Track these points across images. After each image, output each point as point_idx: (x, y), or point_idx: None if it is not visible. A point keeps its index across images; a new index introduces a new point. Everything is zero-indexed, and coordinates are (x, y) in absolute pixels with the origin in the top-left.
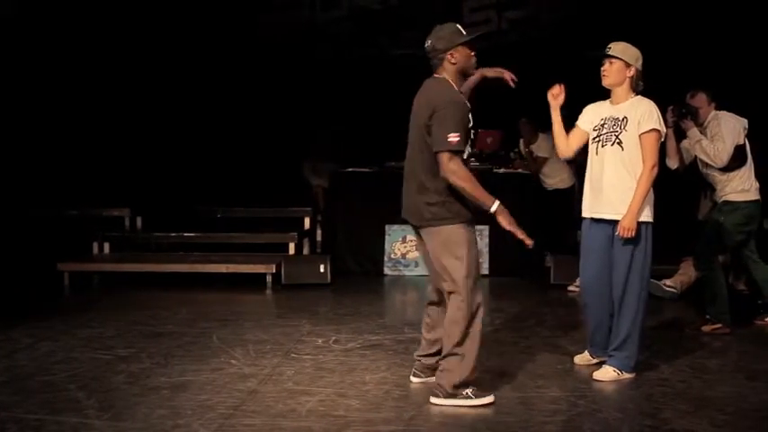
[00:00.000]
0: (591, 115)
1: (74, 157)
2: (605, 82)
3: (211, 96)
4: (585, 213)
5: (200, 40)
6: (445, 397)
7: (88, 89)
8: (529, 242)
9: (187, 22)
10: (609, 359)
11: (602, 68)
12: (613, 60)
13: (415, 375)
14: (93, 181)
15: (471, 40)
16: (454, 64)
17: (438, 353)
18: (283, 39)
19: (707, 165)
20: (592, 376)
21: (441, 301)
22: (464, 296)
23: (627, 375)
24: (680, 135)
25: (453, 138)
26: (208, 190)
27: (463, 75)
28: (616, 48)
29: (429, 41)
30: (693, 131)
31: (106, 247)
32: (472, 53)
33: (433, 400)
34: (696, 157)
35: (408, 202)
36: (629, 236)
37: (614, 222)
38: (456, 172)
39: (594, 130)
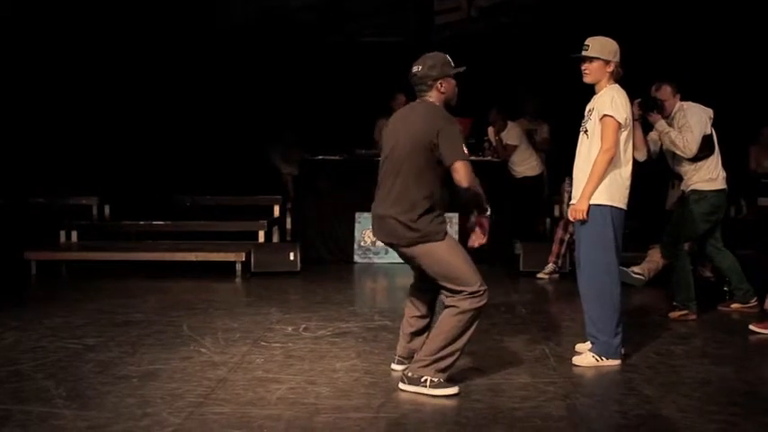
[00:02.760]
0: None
1: (41, 145)
2: (586, 80)
3: (179, 84)
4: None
5: (169, 28)
6: (411, 384)
7: (55, 78)
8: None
9: (155, 8)
10: (591, 345)
11: (582, 67)
12: (593, 60)
13: (399, 363)
14: (60, 169)
15: (458, 73)
16: (442, 93)
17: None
18: (252, 25)
19: (675, 155)
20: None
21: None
22: (476, 287)
23: (608, 361)
24: (646, 127)
25: (465, 149)
26: (177, 178)
27: (446, 104)
28: (594, 46)
29: (419, 67)
30: (660, 123)
31: (74, 235)
32: (455, 85)
33: (403, 386)
34: (663, 148)
35: (389, 222)
36: (580, 218)
37: None
38: (470, 176)
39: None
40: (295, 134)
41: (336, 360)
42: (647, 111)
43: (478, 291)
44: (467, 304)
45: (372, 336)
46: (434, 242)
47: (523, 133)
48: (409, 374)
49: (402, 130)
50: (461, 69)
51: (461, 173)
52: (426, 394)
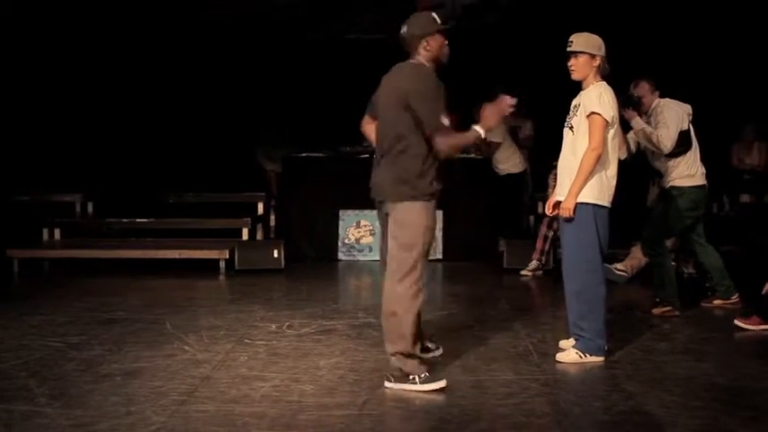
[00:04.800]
0: (571, 105)
1: (24, 143)
2: (574, 76)
3: (163, 81)
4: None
5: (153, 25)
6: (398, 381)
7: (37, 76)
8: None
9: (138, 6)
10: (574, 342)
11: (568, 64)
12: (579, 55)
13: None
14: (43, 166)
15: (447, 29)
16: (429, 51)
17: None
18: (236, 22)
19: (653, 152)
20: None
21: None
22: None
23: (592, 358)
24: (626, 126)
25: (445, 120)
26: (160, 175)
27: (435, 63)
28: (578, 42)
29: (404, 28)
30: (636, 121)
31: (57, 233)
32: (445, 42)
33: (388, 384)
34: (642, 145)
35: (383, 178)
36: (567, 216)
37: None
38: (446, 143)
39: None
40: (280, 132)
41: (320, 357)
42: (622, 107)
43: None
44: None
45: (357, 333)
46: (419, 201)
47: (507, 130)
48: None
49: (389, 91)
50: (448, 26)
51: (440, 144)
52: (418, 390)
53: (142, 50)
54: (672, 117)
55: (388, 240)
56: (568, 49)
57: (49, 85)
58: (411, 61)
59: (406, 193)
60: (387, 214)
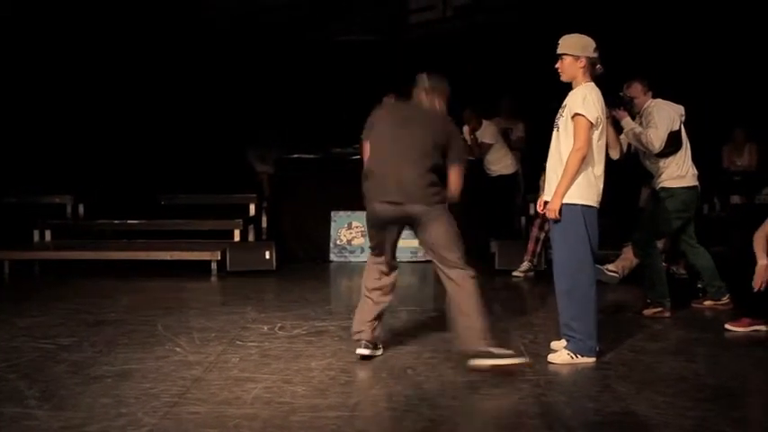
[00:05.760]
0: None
1: (14, 144)
2: (562, 78)
3: (155, 82)
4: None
5: (145, 26)
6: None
7: (27, 77)
8: None
9: (131, 8)
10: (566, 343)
11: (556, 66)
12: (564, 57)
13: (366, 348)
14: (34, 168)
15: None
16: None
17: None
18: (228, 24)
19: (644, 152)
20: (547, 359)
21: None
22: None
23: (583, 359)
24: (619, 126)
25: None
26: (152, 177)
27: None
28: (563, 44)
29: (430, 81)
30: (626, 121)
31: (47, 234)
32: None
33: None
34: (612, 107)
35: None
36: (553, 216)
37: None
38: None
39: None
40: (273, 133)
41: (312, 359)
42: (612, 108)
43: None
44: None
45: (348, 335)
46: (444, 207)
47: (498, 132)
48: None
49: (420, 122)
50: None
51: (461, 176)
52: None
53: (133, 52)
54: (662, 117)
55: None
56: (557, 50)
57: (40, 87)
58: (437, 109)
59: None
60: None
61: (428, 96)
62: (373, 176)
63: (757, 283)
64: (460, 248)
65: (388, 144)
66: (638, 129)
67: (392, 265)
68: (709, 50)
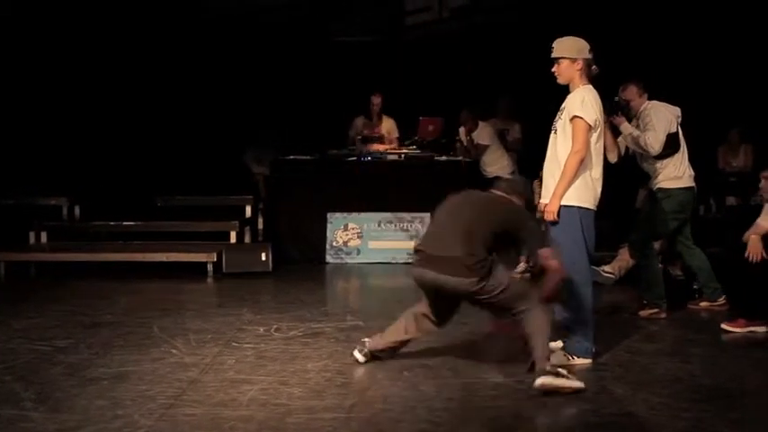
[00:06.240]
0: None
1: (10, 145)
2: (559, 81)
3: (151, 83)
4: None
5: (140, 27)
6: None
7: (23, 78)
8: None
9: (126, 7)
10: (562, 344)
11: (552, 70)
12: (560, 60)
13: (365, 356)
14: (30, 169)
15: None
16: None
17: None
18: (223, 25)
19: (642, 154)
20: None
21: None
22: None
23: (580, 360)
24: (617, 131)
25: None
26: (148, 178)
27: None
28: (559, 47)
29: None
30: (624, 126)
31: (43, 236)
32: None
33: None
34: (609, 114)
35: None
36: (551, 218)
37: None
38: None
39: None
40: (270, 134)
41: (308, 360)
42: (610, 114)
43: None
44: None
45: (344, 336)
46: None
47: (495, 133)
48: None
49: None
50: None
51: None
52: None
53: (130, 53)
54: (660, 120)
55: None
56: (551, 54)
57: (37, 89)
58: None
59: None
60: None
61: (506, 195)
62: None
63: (751, 254)
64: (516, 300)
65: (443, 217)
66: (636, 132)
67: (441, 323)
68: (703, 51)
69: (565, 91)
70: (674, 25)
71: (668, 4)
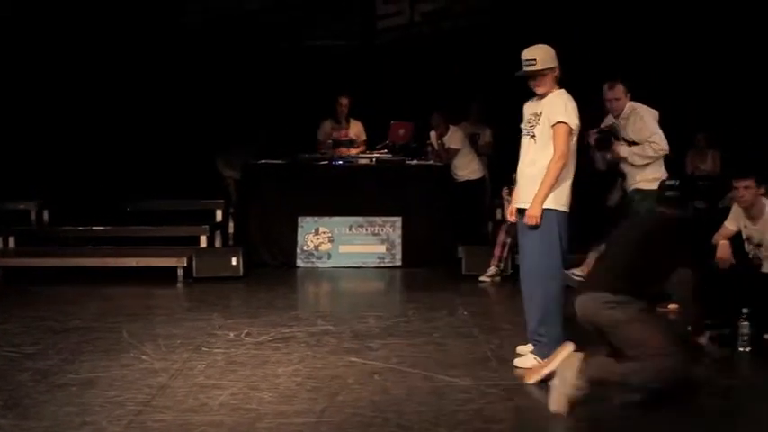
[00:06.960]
0: (525, 112)
1: None
2: (539, 92)
3: (120, 87)
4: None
5: (117, 29)
6: None
7: None
8: None
9: (103, 9)
10: (532, 347)
11: (533, 84)
12: (544, 72)
13: None
14: None
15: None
16: None
17: None
18: (195, 30)
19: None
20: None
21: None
22: None
23: (548, 362)
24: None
25: None
26: (117, 182)
27: None
28: (539, 60)
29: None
30: (622, 149)
31: (11, 241)
32: None
33: None
34: (606, 149)
35: None
36: (533, 223)
37: (524, 211)
38: None
39: (523, 125)
40: (255, 136)
41: (279, 365)
42: (605, 144)
43: None
44: None
45: (315, 340)
46: None
47: (466, 137)
48: None
49: None
50: None
51: None
52: None
53: (99, 58)
54: (651, 119)
55: None
56: (531, 68)
57: (3, 92)
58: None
59: None
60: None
61: None
62: None
63: (720, 259)
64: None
65: None
66: (637, 148)
67: None
68: (669, 57)
69: (533, 95)
70: (643, 29)
71: (637, 8)
